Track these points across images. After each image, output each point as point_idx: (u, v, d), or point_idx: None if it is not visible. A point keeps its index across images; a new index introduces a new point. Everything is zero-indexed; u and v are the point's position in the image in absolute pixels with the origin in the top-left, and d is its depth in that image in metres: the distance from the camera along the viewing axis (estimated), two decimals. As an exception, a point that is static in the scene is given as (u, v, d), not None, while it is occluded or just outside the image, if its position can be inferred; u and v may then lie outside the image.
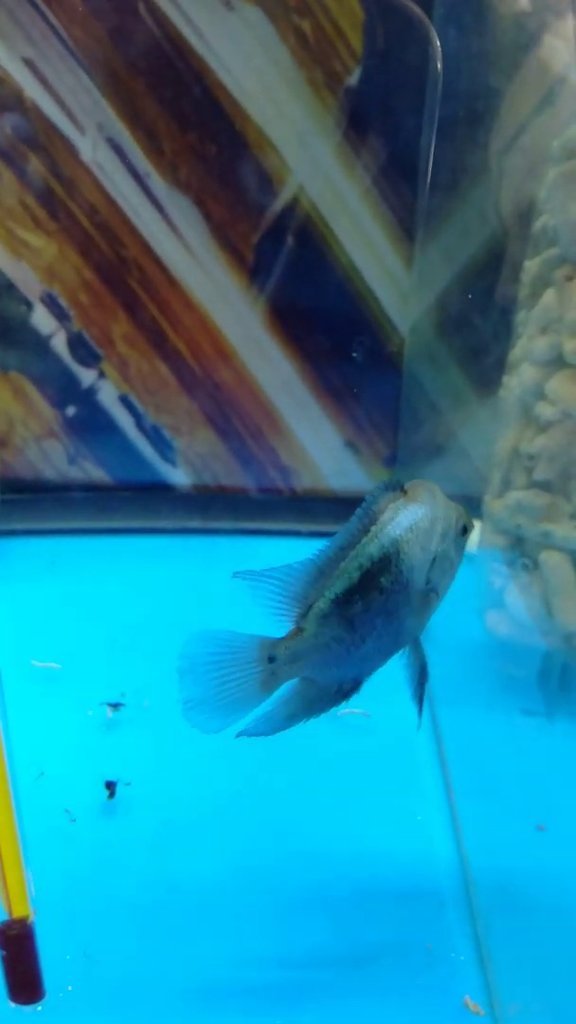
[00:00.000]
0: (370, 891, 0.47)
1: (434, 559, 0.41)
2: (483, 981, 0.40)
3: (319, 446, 0.93)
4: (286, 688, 0.42)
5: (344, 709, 0.58)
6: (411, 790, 0.53)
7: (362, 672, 0.43)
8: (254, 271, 0.87)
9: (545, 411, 0.57)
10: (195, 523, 0.91)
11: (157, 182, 0.83)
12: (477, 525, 0.73)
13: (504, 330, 0.71)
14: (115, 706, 0.59)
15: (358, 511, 0.42)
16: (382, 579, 0.40)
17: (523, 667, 0.61)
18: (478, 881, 0.45)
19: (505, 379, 0.67)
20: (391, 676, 0.46)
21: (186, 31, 0.78)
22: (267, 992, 0.41)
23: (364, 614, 0.41)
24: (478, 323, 0.79)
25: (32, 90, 0.80)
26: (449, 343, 0.85)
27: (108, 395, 0.90)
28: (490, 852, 0.46)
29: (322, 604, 0.41)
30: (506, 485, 0.69)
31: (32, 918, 0.35)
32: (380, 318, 0.87)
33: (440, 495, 0.42)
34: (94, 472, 0.91)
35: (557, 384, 0.57)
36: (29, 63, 0.80)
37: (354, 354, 0.89)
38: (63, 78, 0.80)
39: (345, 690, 0.43)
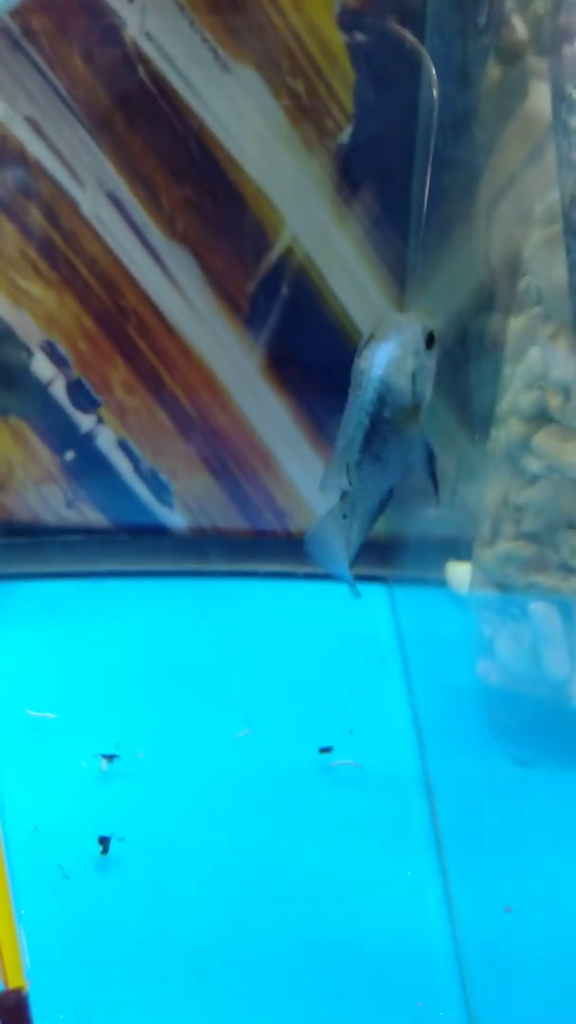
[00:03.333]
0: (360, 948, 0.47)
1: (414, 376, 0.48)
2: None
3: (314, 489, 0.94)
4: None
5: (336, 760, 0.59)
6: (402, 844, 0.54)
7: (393, 482, 0.52)
8: (250, 320, 0.88)
9: (532, 465, 0.59)
10: (192, 565, 0.92)
11: (155, 234, 0.86)
12: (467, 566, 0.75)
13: (493, 376, 0.72)
14: (109, 758, 0.60)
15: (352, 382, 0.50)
16: (384, 413, 0.48)
17: (514, 716, 0.61)
18: (467, 940, 0.45)
19: (493, 432, 0.68)
20: (384, 729, 0.46)
21: (183, 91, 0.81)
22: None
23: (383, 446, 0.49)
24: (468, 369, 0.81)
25: (34, 147, 0.83)
26: (440, 389, 0.86)
27: (106, 440, 0.91)
28: (480, 910, 0.47)
29: (354, 457, 0.49)
30: (495, 535, 0.71)
31: (27, 988, 0.35)
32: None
33: (402, 319, 0.49)
34: (92, 515, 0.92)
35: (543, 439, 0.58)
36: (31, 121, 0.82)
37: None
38: (64, 135, 0.83)
39: (386, 500, 0.52)
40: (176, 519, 0.94)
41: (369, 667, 0.75)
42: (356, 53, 0.79)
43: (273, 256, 0.87)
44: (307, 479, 0.96)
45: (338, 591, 0.90)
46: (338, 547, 0.52)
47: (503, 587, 0.65)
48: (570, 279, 0.46)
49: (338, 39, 0.79)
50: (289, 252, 0.87)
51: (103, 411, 0.91)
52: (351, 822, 0.55)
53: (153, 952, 0.46)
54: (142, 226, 0.85)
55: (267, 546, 0.95)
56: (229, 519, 0.94)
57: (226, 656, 0.75)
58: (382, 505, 0.52)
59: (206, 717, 0.65)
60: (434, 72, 0.74)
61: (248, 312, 0.89)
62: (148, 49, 0.79)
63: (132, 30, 0.79)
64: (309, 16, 0.78)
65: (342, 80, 0.81)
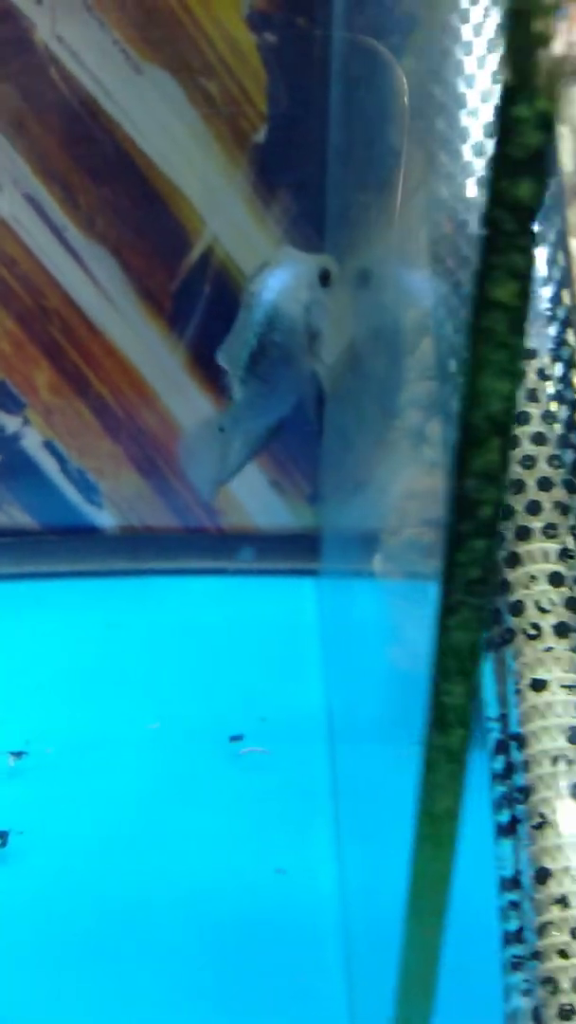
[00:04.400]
0: (254, 927, 0.48)
1: (308, 307, 0.49)
2: (349, 1012, 0.41)
3: (244, 486, 0.95)
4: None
5: (245, 748, 0.60)
6: (302, 826, 0.55)
7: (283, 413, 0.53)
8: (173, 318, 0.89)
9: (428, 453, 0.60)
10: (122, 564, 0.92)
11: (75, 235, 0.86)
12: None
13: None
14: (17, 754, 0.60)
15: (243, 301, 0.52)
16: (274, 336, 0.50)
17: (419, 698, 0.62)
18: (354, 915, 0.46)
19: (397, 423, 0.69)
20: (295, 716, 0.47)
21: (96, 92, 0.81)
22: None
23: (270, 369, 0.50)
24: (387, 364, 0.82)
25: (-51, 150, 0.83)
26: (362, 385, 0.88)
27: (32, 441, 0.91)
28: (369, 887, 0.47)
29: (238, 373, 0.51)
30: (401, 522, 0.72)
31: None
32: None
33: (298, 253, 0.51)
34: (20, 517, 0.92)
35: (436, 427, 0.59)
36: (-54, 124, 0.82)
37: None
38: (-21, 138, 0.83)
39: (273, 430, 0.54)
40: (105, 518, 0.94)
41: (289, 658, 0.75)
42: (267, 54, 0.80)
43: (194, 256, 0.88)
44: (238, 477, 0.97)
45: (268, 585, 0.92)
46: (207, 456, 0.53)
47: (409, 573, 0.66)
48: (434, 312, 0.48)
49: (248, 40, 0.79)
50: (210, 251, 0.87)
51: (29, 412, 0.91)
52: (255, 806, 0.56)
53: (49, 937, 0.46)
54: (61, 227, 0.86)
55: (197, 543, 0.96)
56: (159, 517, 0.94)
57: (149, 653, 0.76)
58: (270, 434, 0.54)
59: (120, 712, 0.66)
60: (405, 80, 0.75)
61: (171, 311, 0.89)
62: (59, 51, 0.80)
63: (43, 32, 0.79)
64: (218, 17, 0.79)
65: (254, 81, 0.82)
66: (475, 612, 0.24)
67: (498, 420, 0.21)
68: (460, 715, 0.25)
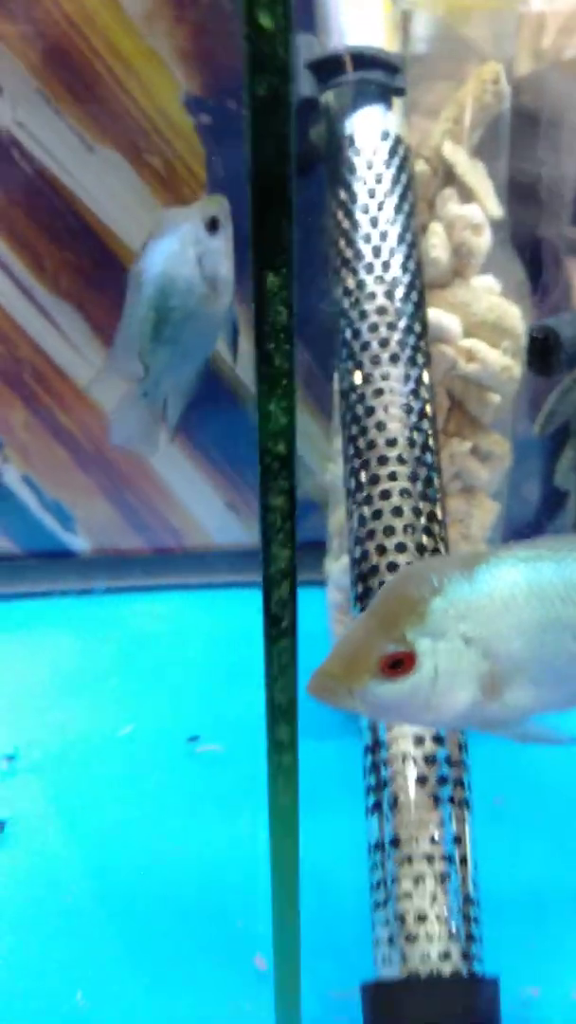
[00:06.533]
0: (207, 892, 0.60)
1: (199, 260, 0.50)
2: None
3: (203, 509, 1.06)
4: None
5: (201, 746, 0.72)
6: (250, 813, 0.66)
7: (207, 354, 0.55)
8: (133, 363, 1.00)
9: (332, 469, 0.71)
10: (97, 583, 1.04)
11: (42, 293, 0.97)
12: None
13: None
14: (9, 759, 0.72)
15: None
16: (170, 302, 0.51)
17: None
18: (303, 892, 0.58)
19: (331, 466, 0.81)
20: (247, 717, 0.56)
21: (55, 169, 0.92)
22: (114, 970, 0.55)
23: (176, 331, 0.52)
24: (328, 392, 0.93)
25: None
26: (307, 409, 0.99)
27: (12, 476, 1.03)
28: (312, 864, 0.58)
29: (146, 346, 0.53)
30: (341, 549, 0.84)
31: None
32: (248, 398, 1.01)
33: (178, 211, 0.52)
34: (2, 543, 1.03)
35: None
36: None
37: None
38: (-48, 212, 0.93)
39: (202, 370, 0.55)
40: (80, 543, 1.05)
41: (244, 664, 0.87)
42: (203, 132, 0.90)
43: (149, 307, 0.99)
44: (196, 500, 1.08)
45: (228, 598, 1.03)
46: (139, 423, 0.54)
47: (347, 591, 0.78)
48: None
49: (186, 121, 0.90)
50: (163, 303, 0.98)
51: (7, 450, 1.02)
52: (207, 798, 0.68)
53: (35, 905, 0.59)
54: (29, 287, 0.96)
55: (165, 561, 1.07)
56: (128, 540, 1.06)
57: (121, 664, 0.88)
58: (200, 375, 0.55)
59: (97, 719, 0.78)
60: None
61: (131, 357, 1.00)
62: (20, 135, 0.90)
63: (4, 119, 0.89)
64: (159, 104, 0.89)
65: (193, 155, 0.92)
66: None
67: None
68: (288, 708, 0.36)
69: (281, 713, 0.36)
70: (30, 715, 0.78)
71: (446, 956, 0.47)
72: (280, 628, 0.34)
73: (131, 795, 0.68)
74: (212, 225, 0.51)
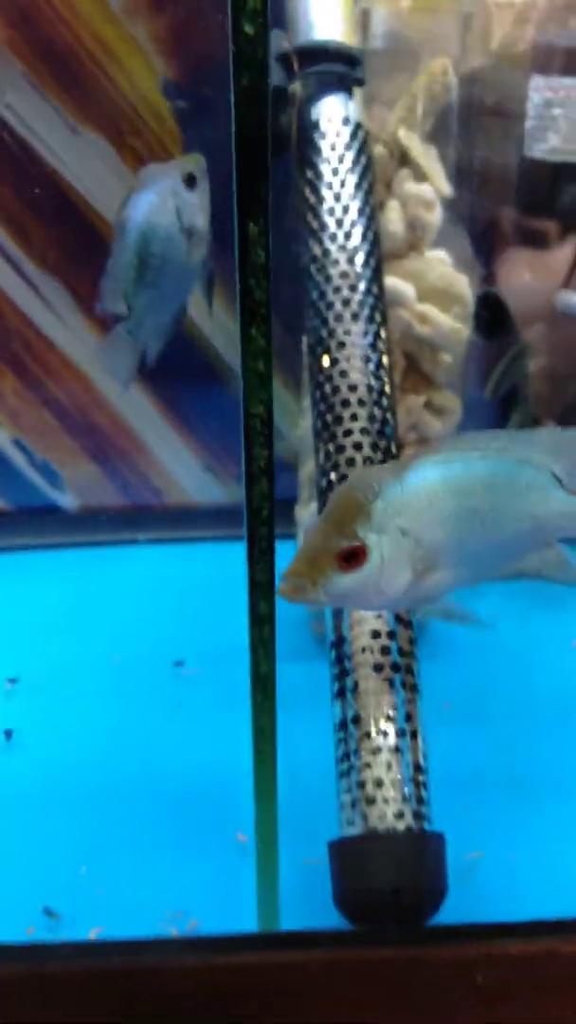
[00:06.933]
0: (189, 785, 0.69)
1: (178, 212, 0.55)
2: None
3: (182, 469, 1.14)
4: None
5: (186, 670, 0.80)
6: (230, 721, 0.74)
7: (182, 300, 0.59)
8: (116, 334, 1.07)
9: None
10: (82, 538, 1.11)
11: (30, 268, 1.03)
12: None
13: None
14: (12, 680, 0.80)
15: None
16: (152, 248, 0.56)
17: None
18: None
19: (301, 422, 0.89)
20: (228, 648, 0.63)
21: (42, 151, 0.98)
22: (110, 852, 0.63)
23: (156, 276, 0.56)
24: (298, 358, 1.01)
25: None
26: (280, 376, 1.07)
27: (3, 439, 1.10)
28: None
29: (130, 290, 0.57)
30: (311, 498, 0.92)
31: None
32: (224, 370, 1.09)
33: (158, 167, 0.57)
34: (-5, 502, 1.11)
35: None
36: None
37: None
38: (-56, 190, 0.99)
39: (179, 314, 0.60)
40: (67, 500, 1.13)
41: (221, 606, 0.95)
42: (180, 115, 0.98)
43: (130, 280, 1.06)
44: (175, 460, 1.16)
45: (206, 551, 1.11)
46: (124, 356, 0.59)
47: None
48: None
49: (164, 105, 0.97)
50: (143, 276, 1.05)
51: (-1, 416, 1.09)
52: (192, 707, 0.77)
53: (44, 797, 0.67)
54: (18, 261, 1.03)
55: (146, 518, 1.15)
56: (112, 498, 1.14)
57: (109, 607, 0.95)
58: (176, 319, 0.59)
59: (90, 649, 0.86)
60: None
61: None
62: (10, 118, 0.96)
63: (-5, 103, 0.96)
64: (139, 88, 0.96)
65: (171, 137, 0.99)
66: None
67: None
68: (268, 608, 0.45)
69: (261, 590, 0.44)
70: (29, 646, 0.85)
71: (400, 815, 0.55)
72: (261, 517, 0.42)
73: (124, 705, 0.76)
74: (190, 180, 0.56)
